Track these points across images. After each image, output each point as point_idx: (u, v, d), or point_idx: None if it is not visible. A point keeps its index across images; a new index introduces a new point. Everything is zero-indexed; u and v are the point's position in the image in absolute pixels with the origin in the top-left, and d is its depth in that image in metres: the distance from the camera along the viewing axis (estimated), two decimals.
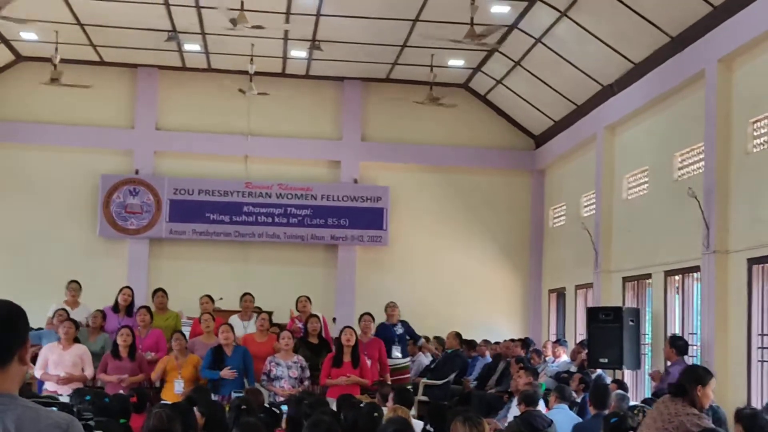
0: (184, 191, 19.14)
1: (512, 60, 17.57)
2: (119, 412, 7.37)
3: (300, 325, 12.29)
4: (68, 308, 12.23)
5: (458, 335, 15.67)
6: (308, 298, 12.91)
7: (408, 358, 13.56)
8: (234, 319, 12.41)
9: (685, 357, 12.05)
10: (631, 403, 10.11)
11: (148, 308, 12.21)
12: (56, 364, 10.71)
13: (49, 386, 10.55)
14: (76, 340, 11.10)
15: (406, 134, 20.11)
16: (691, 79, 13.21)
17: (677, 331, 13.50)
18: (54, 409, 2.98)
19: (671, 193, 13.97)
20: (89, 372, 10.88)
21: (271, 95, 17.86)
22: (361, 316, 12.34)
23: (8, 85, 19.12)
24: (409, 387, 12.02)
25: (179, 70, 19.58)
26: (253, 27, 13.71)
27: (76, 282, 12.82)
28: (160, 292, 12.85)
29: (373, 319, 12.39)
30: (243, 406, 7.39)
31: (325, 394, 10.52)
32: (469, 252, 20.04)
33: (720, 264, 12.05)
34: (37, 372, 10.74)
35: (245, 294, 12.94)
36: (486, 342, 17.15)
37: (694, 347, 13.12)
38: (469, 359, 16.10)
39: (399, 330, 13.14)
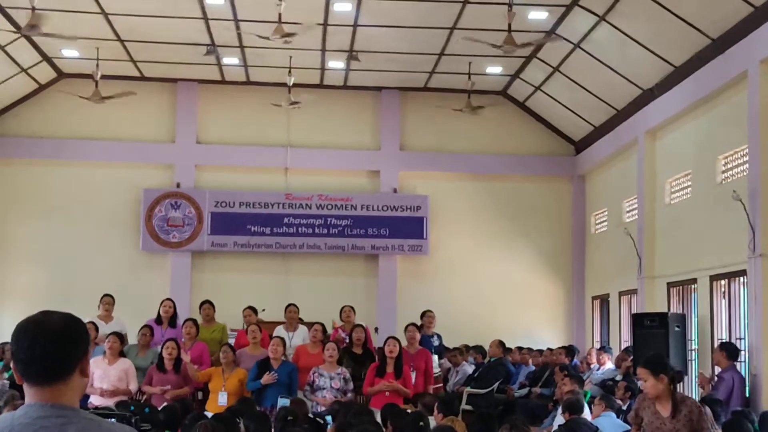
0: (225, 204, 19.24)
1: (551, 66, 17.49)
2: (166, 423, 7.40)
3: (344, 335, 12.28)
4: (101, 322, 12.34)
5: (501, 344, 15.62)
6: (352, 308, 12.93)
7: (438, 370, 13.47)
8: (279, 330, 12.44)
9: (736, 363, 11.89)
10: None
11: (194, 321, 12.27)
12: (101, 379, 10.79)
13: (94, 400, 10.62)
14: (122, 354, 11.18)
15: (444, 143, 20.08)
16: (733, 81, 13.07)
17: (724, 336, 13.34)
18: (113, 420, 2.99)
19: (715, 197, 13.81)
20: (134, 386, 10.95)
21: (309, 106, 17.92)
22: (407, 326, 12.23)
23: (51, 102, 19.34)
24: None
25: (218, 83, 19.70)
26: (285, 36, 13.73)
27: (110, 296, 12.92)
28: (206, 304, 12.90)
29: (419, 329, 12.32)
30: (289, 417, 7.40)
31: (369, 404, 10.48)
32: (511, 260, 19.94)
33: (767, 267, 11.88)
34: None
35: (289, 305, 12.96)
36: (529, 350, 17.06)
37: (742, 352, 12.95)
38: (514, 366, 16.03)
39: (435, 342, 13.12)
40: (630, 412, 7.19)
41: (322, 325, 12.25)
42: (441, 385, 13.11)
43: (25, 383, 2.81)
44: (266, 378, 10.62)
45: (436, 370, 12.57)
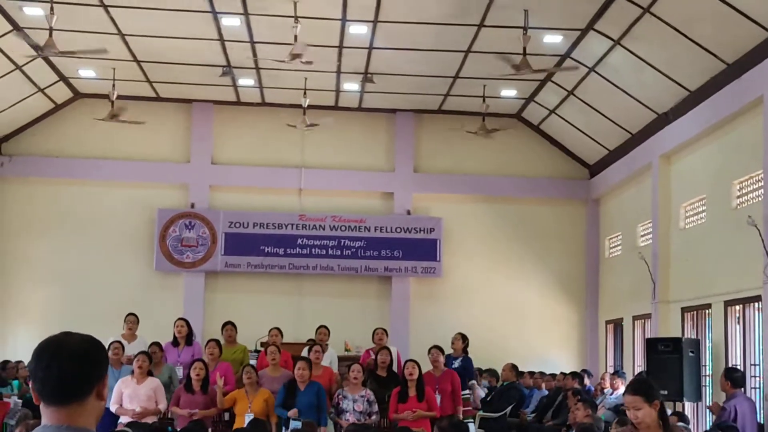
0: (239, 224, 19.27)
1: (565, 89, 17.50)
2: None
3: (374, 357, 12.25)
4: (125, 341, 12.36)
5: (514, 367, 15.55)
6: (385, 330, 12.96)
7: (467, 391, 13.44)
8: (307, 352, 12.44)
9: (744, 389, 11.79)
10: None
11: (217, 341, 12.31)
12: (131, 398, 10.80)
13: (124, 420, 10.60)
14: (150, 374, 11.19)
15: (459, 165, 20.08)
16: (748, 106, 13.04)
17: (739, 362, 13.25)
18: None
19: (730, 222, 13.76)
20: (162, 406, 10.96)
21: (324, 128, 17.97)
22: (430, 349, 12.18)
23: (67, 122, 19.45)
24: (470, 420, 11.90)
25: (234, 104, 19.78)
26: (307, 62, 13.79)
27: (134, 315, 12.96)
28: (229, 326, 12.97)
29: (443, 351, 12.27)
30: None
31: (395, 429, 10.45)
32: (524, 283, 19.89)
33: None
34: (113, 407, 10.79)
35: (320, 327, 13.10)
36: (542, 374, 16.99)
37: (757, 378, 12.87)
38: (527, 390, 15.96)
39: (456, 364, 13.04)
40: None
41: (321, 346, 12.29)
42: (469, 408, 13.08)
43: (42, 403, 2.81)
44: (291, 413, 10.61)
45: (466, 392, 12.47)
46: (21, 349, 16.66)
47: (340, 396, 11.00)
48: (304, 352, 12.50)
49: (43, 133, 19.44)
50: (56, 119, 19.52)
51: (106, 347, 11.80)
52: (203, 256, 19.17)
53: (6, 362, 16.13)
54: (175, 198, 19.61)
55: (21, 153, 19.26)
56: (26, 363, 15.15)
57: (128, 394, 10.81)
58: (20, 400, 13.46)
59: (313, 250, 19.34)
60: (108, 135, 18.87)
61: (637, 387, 6.00)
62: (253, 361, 12.62)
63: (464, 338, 13.66)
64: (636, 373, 15.70)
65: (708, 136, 14.63)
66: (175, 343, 12.54)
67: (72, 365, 2.79)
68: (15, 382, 15.21)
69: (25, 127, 19.31)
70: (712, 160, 14.69)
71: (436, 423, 10.65)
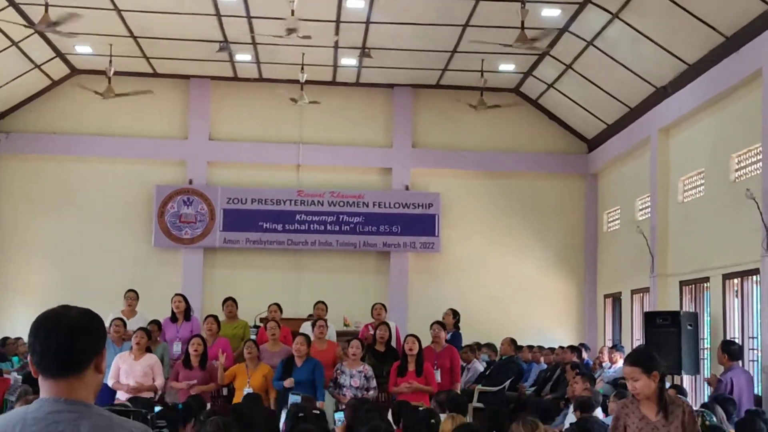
0: (237, 200, 19.26)
1: (563, 63, 17.45)
2: (183, 419, 7.39)
3: (372, 332, 12.28)
4: (125, 318, 12.38)
5: (513, 341, 15.60)
6: (383, 305, 12.97)
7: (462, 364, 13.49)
8: (306, 326, 12.47)
9: (741, 362, 11.83)
10: None
11: (215, 317, 12.34)
12: (126, 374, 10.82)
13: (121, 396, 10.63)
14: (148, 350, 11.21)
15: (457, 140, 20.06)
16: (747, 79, 13.01)
17: (737, 335, 13.30)
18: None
19: (728, 195, 13.76)
20: (159, 382, 10.96)
21: (321, 103, 17.93)
22: (432, 324, 12.20)
23: (64, 98, 19.40)
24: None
25: (231, 80, 19.73)
26: (304, 37, 13.75)
27: (134, 291, 12.97)
28: (230, 301, 13.00)
29: (444, 327, 12.31)
30: (300, 414, 7.41)
31: (394, 402, 10.48)
32: (523, 258, 19.92)
33: None
34: (110, 381, 10.83)
35: (318, 302, 13.12)
36: (540, 348, 17.04)
37: (755, 351, 12.91)
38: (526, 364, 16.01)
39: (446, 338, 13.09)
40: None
41: (325, 321, 12.31)
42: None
43: (40, 376, 2.82)
44: (287, 382, 10.64)
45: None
46: (20, 326, 16.67)
47: (339, 371, 11.03)
48: (303, 327, 12.51)
49: (40, 110, 19.40)
50: (53, 96, 19.46)
51: (108, 324, 11.86)
52: (202, 233, 19.17)
53: (5, 339, 16.17)
54: (173, 174, 19.60)
55: (18, 130, 19.21)
56: (25, 339, 15.25)
57: (125, 369, 10.83)
58: (20, 377, 13.49)
59: (311, 225, 19.34)
60: (105, 111, 18.84)
61: (635, 358, 5.99)
62: (252, 337, 12.67)
63: (455, 314, 13.70)
64: (635, 347, 15.72)
65: (706, 110, 14.61)
66: (173, 318, 12.55)
67: (70, 338, 2.80)
68: (15, 359, 15.25)
69: (21, 103, 19.27)
70: (711, 133, 14.67)
71: (434, 397, 10.70)
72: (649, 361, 5.85)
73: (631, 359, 5.97)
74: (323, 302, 13.37)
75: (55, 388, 2.80)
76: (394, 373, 11.11)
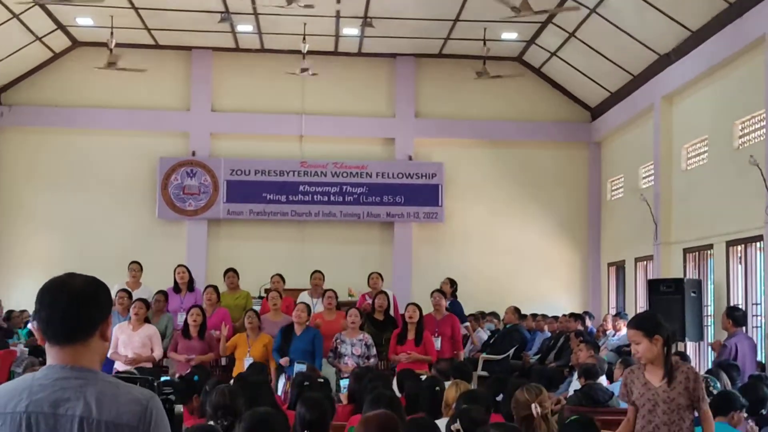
0: (240, 172, 19.26)
1: (566, 31, 17.37)
2: (187, 390, 7.43)
3: (370, 301, 12.31)
4: (129, 289, 12.42)
5: (516, 310, 15.65)
6: (380, 274, 12.98)
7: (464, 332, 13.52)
8: (304, 296, 12.50)
9: (745, 328, 11.87)
10: None
11: (215, 287, 12.36)
12: (125, 344, 10.85)
13: (119, 366, 10.68)
14: (147, 321, 11.25)
15: (459, 110, 20.01)
16: (750, 46, 12.96)
17: (740, 301, 13.32)
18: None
19: (732, 162, 13.74)
20: (158, 353, 11.00)
21: (324, 74, 17.87)
22: (432, 292, 12.26)
23: (65, 70, 19.37)
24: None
25: (233, 51, 19.67)
26: (306, 6, 13.71)
27: (137, 263, 13.00)
28: (231, 272, 13.00)
29: (445, 295, 12.34)
30: (305, 383, 7.44)
31: (394, 370, 10.53)
32: (526, 226, 19.93)
33: None
34: (108, 351, 10.88)
35: (315, 272, 13.06)
36: (544, 317, 17.09)
37: (758, 317, 12.95)
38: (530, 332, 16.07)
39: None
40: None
41: (334, 291, 12.33)
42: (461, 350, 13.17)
43: (47, 343, 2.85)
44: (283, 361, 10.68)
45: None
46: (25, 299, 16.72)
47: (338, 340, 11.05)
48: (302, 296, 12.53)
49: (42, 83, 19.38)
50: (55, 68, 19.43)
51: (113, 296, 11.88)
52: (205, 204, 19.19)
53: (10, 312, 16.23)
54: (176, 146, 19.59)
55: (20, 102, 19.20)
56: (30, 312, 15.31)
57: (123, 340, 10.85)
58: (26, 348, 13.57)
59: (314, 196, 19.35)
60: (107, 84, 18.81)
61: (638, 321, 5.97)
62: (256, 308, 12.69)
63: (452, 282, 13.72)
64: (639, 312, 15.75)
65: (710, 77, 14.56)
66: (176, 289, 12.58)
67: (75, 305, 2.82)
68: (22, 331, 15.32)
69: (23, 76, 19.25)
70: (714, 100, 14.63)
71: (434, 365, 10.75)
72: (651, 325, 5.84)
73: (634, 323, 5.96)
74: (320, 271, 13.29)
75: (62, 355, 2.83)
76: (394, 341, 11.16)
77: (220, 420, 5.74)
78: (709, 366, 13.39)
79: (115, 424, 2.74)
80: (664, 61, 15.91)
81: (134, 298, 12.05)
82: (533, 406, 5.46)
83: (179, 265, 12.94)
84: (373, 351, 11.05)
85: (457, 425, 4.78)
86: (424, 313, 11.51)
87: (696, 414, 5.81)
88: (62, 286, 2.86)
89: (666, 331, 5.84)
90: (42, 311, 2.84)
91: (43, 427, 2.74)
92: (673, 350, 12.76)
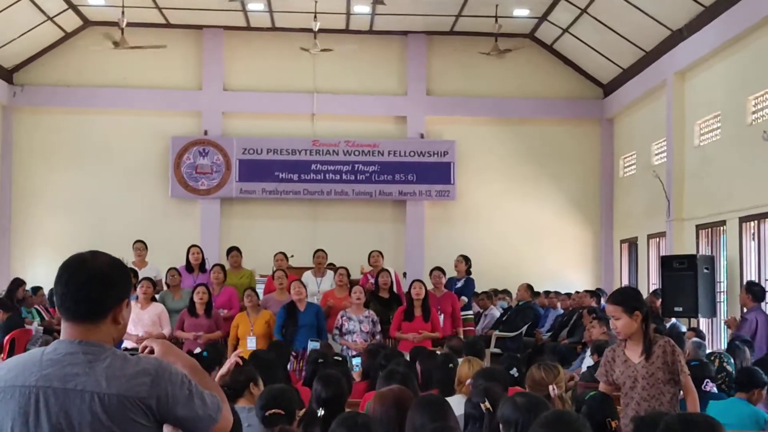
0: (252, 151, 19.28)
1: (578, 7, 17.28)
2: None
3: (372, 280, 12.37)
4: (135, 268, 12.50)
5: (529, 287, 15.68)
6: (380, 252, 13.01)
7: (470, 312, 13.56)
8: (307, 276, 12.57)
9: (763, 303, 11.86)
10: (707, 350, 10.02)
11: (222, 266, 12.42)
12: (135, 324, 10.92)
13: (128, 345, 10.76)
14: (153, 300, 11.32)
15: (471, 87, 19.96)
16: (763, 21, 12.88)
17: (753, 277, 13.30)
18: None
19: (745, 138, 13.69)
20: (167, 330, 11.09)
21: (335, 52, 17.83)
22: (432, 270, 12.33)
23: (77, 50, 19.37)
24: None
25: (244, 30, 19.64)
26: None
27: (142, 242, 13.08)
28: (234, 251, 13.05)
29: (444, 273, 12.39)
30: (320, 360, 7.48)
31: (397, 346, 10.58)
32: (539, 204, 19.90)
33: None
34: (123, 334, 10.91)
35: (318, 250, 13.10)
36: (557, 294, 17.11)
37: None
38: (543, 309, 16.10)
39: (459, 284, 13.19)
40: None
41: (346, 269, 12.38)
42: (471, 329, 13.19)
43: (61, 318, 2.88)
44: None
45: (462, 313, 12.58)
46: (39, 279, 16.80)
47: (345, 317, 11.10)
48: (306, 275, 12.59)
49: (53, 63, 19.40)
50: (66, 48, 19.45)
51: None
52: (218, 183, 19.22)
53: (37, 288, 16.15)
54: (188, 125, 19.61)
55: (32, 83, 19.24)
56: (46, 290, 15.38)
57: (132, 319, 10.90)
58: (41, 327, 13.65)
59: (327, 175, 19.35)
60: (119, 63, 18.82)
61: (617, 297, 5.91)
62: (260, 286, 12.74)
63: (467, 260, 13.74)
64: (651, 291, 15.77)
65: (723, 52, 14.48)
66: (189, 269, 12.65)
67: (88, 286, 2.84)
68: (33, 311, 15.36)
69: (35, 56, 19.27)
70: (727, 76, 14.56)
71: (446, 342, 10.77)
72: (630, 300, 5.80)
73: (613, 298, 5.92)
74: (323, 250, 13.31)
75: (72, 331, 2.85)
76: (398, 318, 11.20)
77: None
78: (723, 342, 13.43)
79: (126, 396, 2.77)
80: (677, 37, 15.82)
81: (141, 276, 12.16)
82: (551, 388, 5.48)
83: (193, 245, 13.01)
84: (379, 328, 11.13)
85: (486, 404, 4.81)
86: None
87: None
88: (81, 264, 2.88)
89: (644, 307, 5.82)
90: (58, 286, 2.87)
91: (53, 402, 2.76)
92: (686, 326, 12.81)
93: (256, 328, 11.02)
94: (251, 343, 10.73)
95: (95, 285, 2.85)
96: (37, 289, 15.66)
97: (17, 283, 14.73)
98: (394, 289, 12.29)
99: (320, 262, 12.96)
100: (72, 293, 2.84)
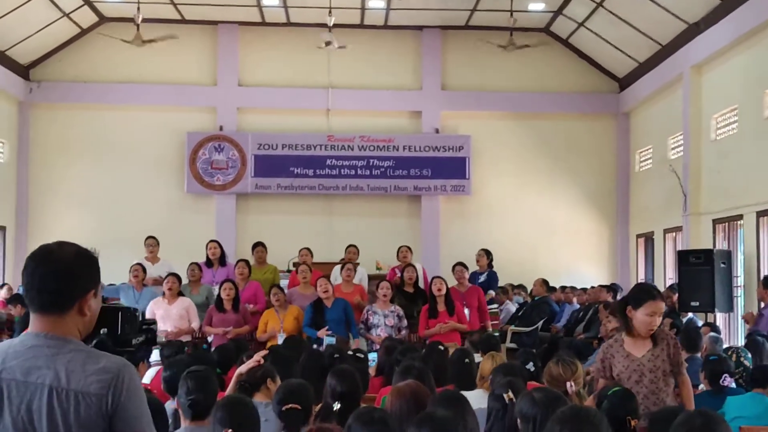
0: (267, 146, 19.28)
1: (594, 1, 17.21)
2: (219, 362, 7.51)
3: (399, 275, 12.40)
4: (148, 263, 12.54)
5: (545, 282, 15.65)
6: (409, 248, 13.09)
7: (495, 306, 13.58)
8: (337, 271, 12.59)
9: None
10: (725, 345, 9.98)
11: (246, 261, 12.49)
12: (163, 319, 10.98)
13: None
14: (180, 294, 11.37)
15: (486, 82, 19.91)
16: None
17: None
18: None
19: (762, 132, 13.62)
20: (195, 324, 11.17)
21: (350, 47, 17.82)
22: (454, 266, 12.31)
23: (93, 46, 19.42)
24: (496, 333, 12.04)
25: (259, 25, 19.65)
26: None
27: (153, 238, 13.11)
28: (259, 247, 13.16)
29: (467, 268, 12.38)
30: (335, 355, 7.49)
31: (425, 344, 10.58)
32: (554, 199, 19.85)
33: None
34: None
35: (350, 246, 13.24)
36: (573, 289, 17.06)
37: None
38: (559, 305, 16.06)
39: (481, 279, 13.19)
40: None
41: (352, 264, 12.42)
42: (496, 322, 13.22)
43: (30, 309, 2.85)
44: (321, 332, 10.73)
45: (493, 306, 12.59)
46: None
47: (370, 312, 11.13)
48: (335, 271, 12.64)
49: (69, 59, 19.46)
50: (82, 44, 19.50)
51: (129, 270, 11.98)
52: (233, 179, 19.25)
53: None
54: (204, 121, 19.64)
55: (49, 79, 19.31)
56: None
57: (161, 315, 10.98)
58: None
59: (342, 170, 19.35)
60: (134, 59, 18.86)
61: (662, 296, 5.98)
62: (285, 281, 12.80)
63: (488, 254, 13.75)
64: (667, 286, 15.70)
65: (740, 45, 14.40)
66: (209, 264, 12.71)
67: (53, 277, 2.81)
68: None
69: (51, 52, 19.33)
70: (744, 69, 14.48)
71: (467, 337, 10.78)
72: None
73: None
74: (355, 246, 13.49)
75: (39, 323, 2.82)
76: (424, 317, 11.18)
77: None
78: (741, 337, 13.36)
79: (83, 393, 2.73)
80: (693, 30, 15.74)
81: (152, 272, 12.24)
82: (569, 384, 5.47)
83: (211, 241, 13.08)
84: (405, 323, 11.15)
85: (510, 394, 4.84)
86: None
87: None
88: (47, 255, 2.85)
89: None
90: (24, 277, 2.84)
91: (15, 394, 2.74)
92: (703, 321, 12.76)
93: (286, 325, 11.09)
94: (281, 340, 10.75)
95: (60, 276, 2.81)
96: None
97: None
98: (420, 284, 12.30)
99: (351, 258, 13.05)
100: (37, 284, 2.81)
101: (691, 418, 3.64)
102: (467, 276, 12.27)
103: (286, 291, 11.76)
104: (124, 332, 3.31)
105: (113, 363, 2.80)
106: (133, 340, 3.47)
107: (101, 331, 3.28)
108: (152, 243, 13.05)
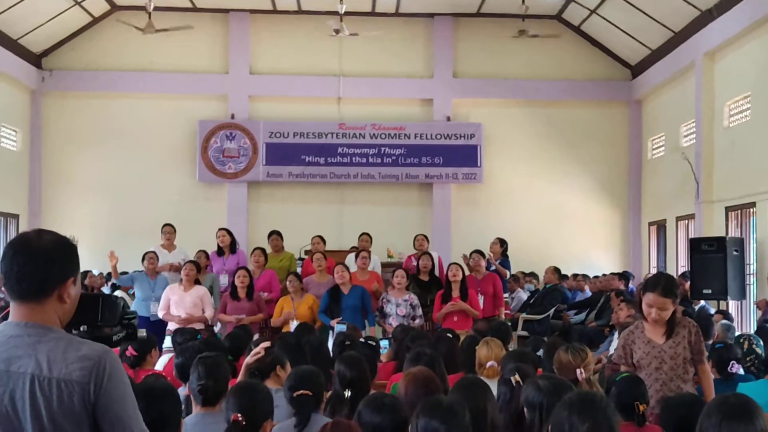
0: (279, 134, 19.29)
1: None
2: (230, 349, 7.54)
3: (415, 263, 12.43)
4: (165, 251, 12.59)
5: (557, 270, 15.63)
6: (425, 236, 13.15)
7: (506, 294, 13.59)
8: (350, 259, 12.62)
9: None
10: (737, 333, 9.96)
11: (263, 249, 12.56)
12: (177, 305, 11.07)
13: (172, 326, 10.86)
14: (197, 282, 11.41)
15: (498, 69, 19.86)
16: None
17: None
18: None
19: None
20: (209, 313, 11.19)
21: (361, 35, 17.80)
22: (471, 253, 12.33)
23: (105, 35, 19.45)
24: (509, 322, 12.06)
25: (270, 13, 19.64)
26: None
27: (170, 225, 13.14)
28: (275, 235, 13.24)
29: (483, 255, 12.40)
30: (346, 342, 7.51)
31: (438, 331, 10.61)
32: (566, 187, 19.80)
33: None
34: (160, 312, 11.12)
35: (363, 234, 13.28)
36: (585, 276, 17.04)
37: None
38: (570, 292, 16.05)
39: (492, 267, 13.21)
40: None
41: (369, 252, 12.44)
42: (508, 310, 13.27)
43: (9, 298, 2.85)
44: (333, 322, 10.76)
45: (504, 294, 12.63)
46: None
47: (384, 300, 11.17)
48: (349, 258, 12.66)
49: (82, 47, 19.49)
50: (94, 33, 19.52)
51: (142, 258, 12.05)
52: (245, 167, 19.27)
53: (85, 272, 16.21)
54: (215, 109, 19.65)
55: (61, 67, 19.35)
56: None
57: (175, 301, 11.07)
58: None
59: (353, 158, 19.34)
60: (146, 48, 18.90)
61: (668, 289, 5.85)
62: (298, 270, 12.83)
63: (502, 242, 13.77)
64: (679, 274, 15.67)
65: (753, 32, 14.33)
66: (219, 252, 12.76)
67: (31, 264, 2.80)
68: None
69: (64, 41, 19.37)
70: (757, 56, 14.40)
71: (473, 325, 10.79)
72: (676, 290, 5.86)
73: (664, 290, 5.83)
74: (368, 234, 13.52)
75: (18, 312, 2.82)
76: (438, 301, 11.22)
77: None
78: (753, 324, 13.33)
79: (66, 381, 2.72)
80: (706, 17, 15.66)
81: (169, 260, 12.29)
82: (578, 371, 5.47)
83: (220, 229, 13.11)
84: (419, 311, 11.15)
85: (516, 377, 4.87)
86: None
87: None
88: (25, 243, 2.84)
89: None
90: (3, 264, 2.83)
91: None
92: (715, 309, 12.73)
93: (300, 313, 11.11)
94: (294, 328, 10.79)
95: (38, 263, 2.80)
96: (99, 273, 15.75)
97: None
98: (436, 272, 12.32)
99: (364, 246, 13.09)
100: (15, 272, 2.80)
101: (726, 400, 3.66)
102: (484, 264, 12.29)
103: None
104: (104, 319, 3.30)
105: (94, 350, 2.79)
106: (114, 336, 3.45)
107: (81, 329, 3.25)
108: (169, 230, 13.08)
